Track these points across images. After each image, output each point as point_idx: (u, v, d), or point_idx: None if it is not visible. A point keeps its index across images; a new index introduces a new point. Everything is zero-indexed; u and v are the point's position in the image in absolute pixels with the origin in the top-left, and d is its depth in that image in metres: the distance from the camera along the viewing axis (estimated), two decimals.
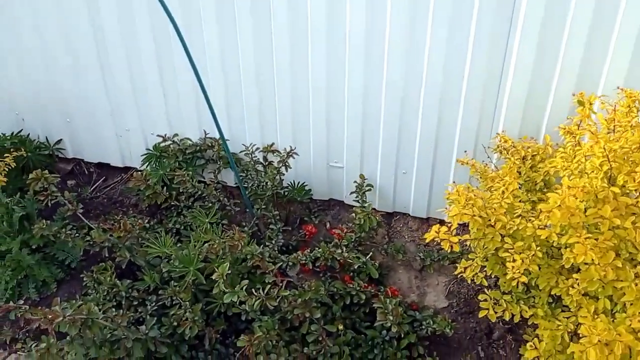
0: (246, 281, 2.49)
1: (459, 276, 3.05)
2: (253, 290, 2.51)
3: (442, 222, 3.30)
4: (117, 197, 3.68)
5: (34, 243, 3.05)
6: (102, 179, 3.78)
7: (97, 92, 3.44)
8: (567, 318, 2.24)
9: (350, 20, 2.75)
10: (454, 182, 2.48)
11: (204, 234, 2.87)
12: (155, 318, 2.65)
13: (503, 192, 2.34)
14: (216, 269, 2.43)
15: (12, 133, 3.61)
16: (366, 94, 2.97)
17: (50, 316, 2.18)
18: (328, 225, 3.41)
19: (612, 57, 2.56)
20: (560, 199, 1.92)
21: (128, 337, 2.46)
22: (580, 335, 2.01)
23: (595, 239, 1.99)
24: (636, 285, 1.94)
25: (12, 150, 3.27)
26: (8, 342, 2.89)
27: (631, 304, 1.98)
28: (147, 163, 3.47)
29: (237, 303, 2.51)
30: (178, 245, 2.95)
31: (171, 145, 3.44)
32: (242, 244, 2.60)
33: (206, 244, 2.71)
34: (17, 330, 2.95)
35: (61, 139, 3.73)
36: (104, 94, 3.44)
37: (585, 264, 2.02)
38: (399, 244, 3.23)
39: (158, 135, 3.42)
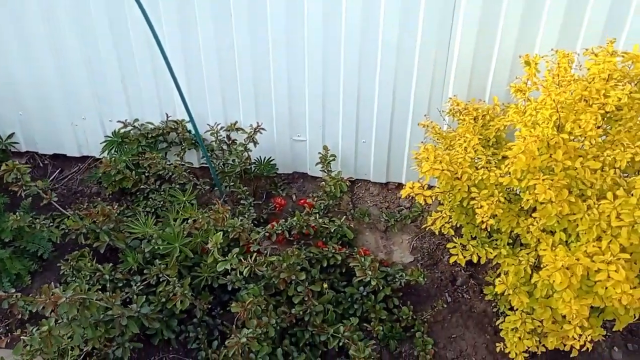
0: (237, 249, 2.61)
1: (422, 232, 3.34)
2: (242, 258, 2.64)
3: (400, 185, 3.58)
4: (77, 188, 3.67)
5: (5, 236, 3.02)
6: (58, 171, 3.75)
7: (50, 80, 3.41)
8: (528, 254, 2.54)
9: None
10: (422, 142, 2.71)
11: (182, 212, 2.96)
12: (144, 296, 2.73)
13: (465, 148, 2.59)
14: (210, 240, 2.54)
15: None
16: (325, 69, 3.14)
17: (52, 298, 2.22)
18: (294, 197, 3.57)
19: (546, 22, 2.86)
20: (524, 145, 2.19)
21: (123, 314, 2.53)
22: (542, 266, 2.31)
23: (550, 180, 2.28)
24: (588, 215, 2.24)
25: None
26: None
27: (584, 233, 2.28)
28: (107, 150, 3.48)
29: (229, 271, 2.63)
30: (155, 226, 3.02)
31: (132, 131, 3.47)
32: (227, 217, 2.72)
33: (189, 221, 2.81)
34: None
35: (13, 133, 3.66)
36: (58, 82, 3.41)
37: (542, 203, 2.31)
38: (363, 208, 3.45)
39: (118, 121, 3.44)
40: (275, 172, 3.54)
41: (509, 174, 2.39)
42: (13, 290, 2.79)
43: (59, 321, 2.48)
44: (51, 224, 2.95)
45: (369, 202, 3.54)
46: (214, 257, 2.53)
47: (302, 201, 3.38)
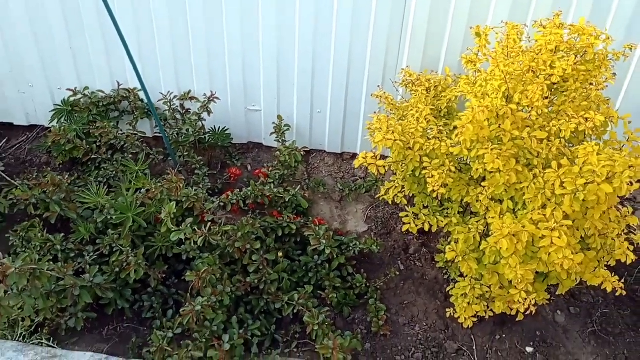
0: (191, 219, 2.60)
1: (376, 202, 3.39)
2: (196, 228, 2.63)
3: (355, 156, 3.61)
4: (25, 157, 3.57)
5: None
6: (4, 140, 3.63)
7: None
8: (477, 222, 2.61)
9: None
10: (375, 112, 2.73)
11: (135, 182, 2.92)
12: (97, 266, 2.70)
13: (418, 119, 2.63)
14: (162, 211, 2.51)
15: None
16: (280, 37, 3.11)
17: (1, 268, 2.18)
18: (249, 167, 3.56)
19: None
20: (472, 115, 2.24)
21: (75, 284, 2.50)
22: (491, 233, 2.39)
23: (499, 150, 2.34)
24: (535, 184, 2.32)
25: None
26: None
27: (530, 201, 2.36)
28: (57, 119, 3.39)
29: (184, 241, 2.62)
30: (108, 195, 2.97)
31: (82, 99, 3.38)
32: (180, 186, 2.70)
33: (142, 190, 2.77)
34: None
35: None
36: (2, 49, 3.28)
37: (491, 172, 2.38)
38: (318, 178, 3.48)
39: (68, 89, 3.35)
40: (230, 142, 3.52)
41: (460, 144, 2.44)
42: None
43: (8, 292, 2.44)
44: None
45: (324, 172, 3.57)
46: (167, 227, 2.51)
47: (257, 171, 3.38)
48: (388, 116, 2.64)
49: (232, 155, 3.56)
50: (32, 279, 2.32)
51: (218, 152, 3.54)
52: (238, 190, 3.08)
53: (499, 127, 2.38)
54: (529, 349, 2.88)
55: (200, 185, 3.19)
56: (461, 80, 2.68)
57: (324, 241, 2.87)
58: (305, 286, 2.90)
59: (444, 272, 3.14)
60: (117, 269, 2.71)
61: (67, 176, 3.11)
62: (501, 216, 2.45)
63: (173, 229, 2.55)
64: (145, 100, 3.25)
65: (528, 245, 2.33)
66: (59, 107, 3.39)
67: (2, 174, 2.82)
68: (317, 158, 3.61)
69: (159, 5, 3.05)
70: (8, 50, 3.29)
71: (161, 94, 3.33)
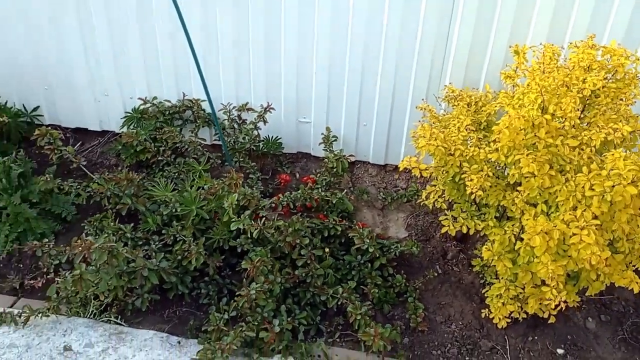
0: (249, 211, 2.88)
1: (417, 211, 3.61)
2: (252, 221, 2.90)
3: (397, 168, 3.85)
4: (96, 159, 3.92)
5: (32, 198, 3.26)
6: (79, 143, 4.00)
7: (77, 59, 3.67)
8: (513, 225, 2.81)
9: None
10: (419, 121, 2.98)
11: (198, 179, 3.22)
12: (162, 254, 2.99)
13: (459, 128, 2.87)
14: (225, 200, 2.80)
15: None
16: (332, 57, 3.42)
17: (86, 244, 2.48)
18: (298, 175, 3.84)
19: (536, 19, 3.16)
20: (509, 121, 2.47)
21: (145, 266, 2.79)
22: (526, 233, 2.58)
23: (534, 155, 2.56)
24: (566, 187, 2.52)
25: None
26: (18, 288, 3.11)
27: (562, 204, 2.56)
28: (127, 125, 3.74)
29: (240, 233, 2.89)
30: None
31: (150, 108, 3.73)
32: (240, 183, 2.98)
33: (205, 187, 3.07)
34: (23, 276, 3.17)
35: (38, 106, 3.91)
36: (83, 61, 3.67)
37: (526, 177, 2.59)
38: (362, 187, 3.72)
39: (139, 98, 3.70)
40: (281, 151, 3.81)
41: (497, 150, 2.66)
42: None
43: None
44: (78, 186, 3.20)
45: (367, 182, 3.82)
46: (228, 215, 2.79)
47: (305, 178, 3.65)
48: (431, 126, 2.89)
49: (282, 163, 3.84)
50: (110, 257, 2.61)
51: (270, 160, 3.84)
52: (288, 193, 3.35)
53: (534, 135, 2.60)
54: (560, 351, 3.03)
55: (254, 188, 3.47)
56: (500, 94, 2.92)
57: (368, 241, 3.10)
58: (348, 282, 3.13)
59: (480, 276, 3.31)
60: (180, 257, 2.99)
61: (135, 174, 3.44)
62: (535, 218, 2.64)
63: (233, 219, 2.82)
64: (208, 110, 3.58)
65: (559, 243, 2.51)
66: (129, 114, 3.74)
67: (84, 168, 3.15)
68: (361, 169, 3.86)
69: (225, 27, 3.39)
70: (89, 62, 3.67)
71: (222, 104, 3.66)
